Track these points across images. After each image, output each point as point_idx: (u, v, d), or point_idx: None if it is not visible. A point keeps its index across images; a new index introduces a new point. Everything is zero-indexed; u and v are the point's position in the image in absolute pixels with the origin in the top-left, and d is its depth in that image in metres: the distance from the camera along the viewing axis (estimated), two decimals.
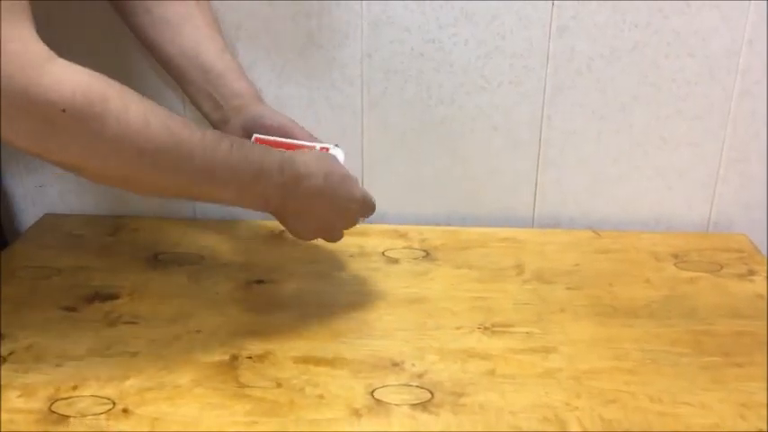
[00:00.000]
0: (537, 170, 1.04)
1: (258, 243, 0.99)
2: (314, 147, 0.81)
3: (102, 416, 0.68)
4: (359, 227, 1.02)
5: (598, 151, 1.02)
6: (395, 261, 0.95)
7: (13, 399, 0.70)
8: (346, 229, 0.81)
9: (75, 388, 0.71)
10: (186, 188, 0.69)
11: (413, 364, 0.76)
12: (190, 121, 0.66)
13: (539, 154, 1.03)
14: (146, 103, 0.63)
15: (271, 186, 0.72)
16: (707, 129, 1.01)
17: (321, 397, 0.71)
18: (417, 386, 0.73)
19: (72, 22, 0.98)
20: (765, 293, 0.88)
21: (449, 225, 1.05)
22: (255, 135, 0.81)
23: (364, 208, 0.81)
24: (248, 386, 0.72)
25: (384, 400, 0.71)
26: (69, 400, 0.70)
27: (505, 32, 0.96)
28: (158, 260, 0.94)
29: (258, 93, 0.85)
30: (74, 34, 0.98)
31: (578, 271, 0.93)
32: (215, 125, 0.83)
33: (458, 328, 0.81)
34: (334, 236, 0.81)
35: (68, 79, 0.58)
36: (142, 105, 0.62)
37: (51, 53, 0.58)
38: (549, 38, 0.96)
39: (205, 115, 0.84)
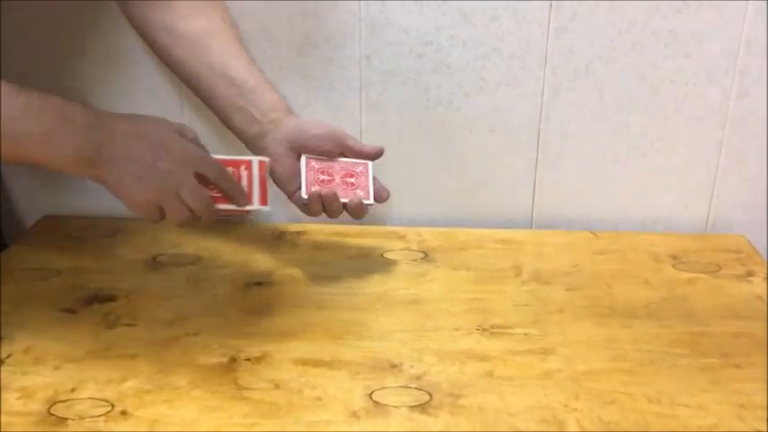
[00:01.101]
0: (535, 171, 1.04)
1: (256, 245, 0.98)
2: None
3: (101, 418, 0.68)
4: (357, 228, 1.03)
5: (596, 152, 1.02)
6: (393, 262, 0.95)
7: (12, 401, 0.70)
8: (182, 184, 0.73)
9: (73, 390, 0.71)
10: None
11: (411, 366, 0.76)
12: None
13: (537, 155, 1.03)
14: None
15: (78, 130, 0.69)
16: (705, 130, 1.01)
17: (319, 399, 0.71)
18: (416, 388, 0.73)
19: (72, 21, 0.98)
20: (764, 294, 0.88)
21: (447, 226, 1.05)
22: (306, 156, 0.82)
23: (199, 161, 0.75)
24: (247, 388, 0.72)
25: (382, 401, 0.71)
26: (68, 403, 0.70)
27: (503, 34, 0.96)
28: (157, 262, 0.94)
29: (289, 104, 0.85)
30: (73, 33, 0.98)
31: (576, 272, 0.93)
32: (250, 140, 0.83)
33: (456, 330, 0.81)
34: (168, 197, 0.73)
35: None
36: None
37: None
38: (547, 39, 0.96)
39: (236, 130, 0.83)
